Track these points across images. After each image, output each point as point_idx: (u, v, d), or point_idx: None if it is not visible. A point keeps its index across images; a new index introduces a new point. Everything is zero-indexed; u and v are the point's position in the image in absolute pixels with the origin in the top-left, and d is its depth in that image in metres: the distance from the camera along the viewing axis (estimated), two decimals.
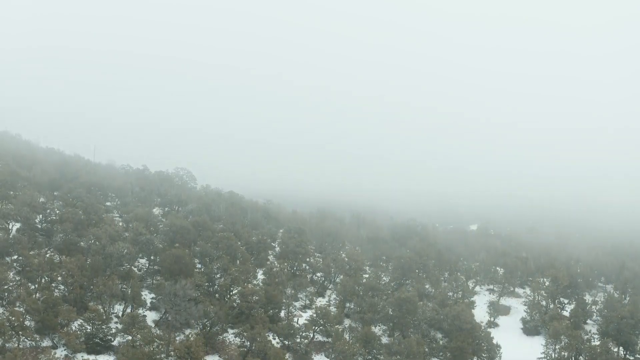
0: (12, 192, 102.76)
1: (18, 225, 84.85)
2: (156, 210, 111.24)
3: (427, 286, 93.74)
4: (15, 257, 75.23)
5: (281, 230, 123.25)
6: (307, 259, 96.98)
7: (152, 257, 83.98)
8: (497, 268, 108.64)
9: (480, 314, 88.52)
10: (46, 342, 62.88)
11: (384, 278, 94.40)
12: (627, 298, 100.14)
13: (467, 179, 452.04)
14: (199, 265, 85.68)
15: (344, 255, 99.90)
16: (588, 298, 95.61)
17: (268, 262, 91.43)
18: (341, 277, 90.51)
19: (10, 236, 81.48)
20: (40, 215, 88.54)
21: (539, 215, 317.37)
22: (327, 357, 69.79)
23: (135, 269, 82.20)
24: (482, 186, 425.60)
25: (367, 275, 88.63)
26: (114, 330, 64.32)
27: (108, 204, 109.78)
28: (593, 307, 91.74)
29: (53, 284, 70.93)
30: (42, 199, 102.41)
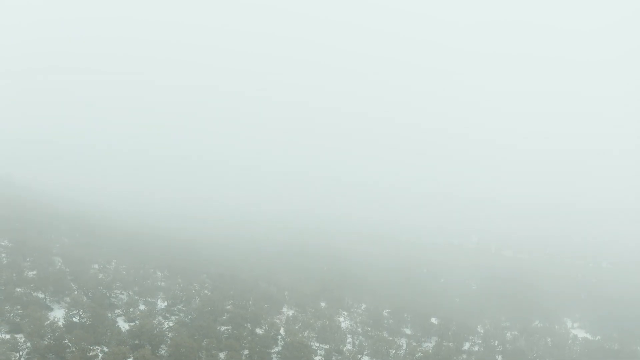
0: (18, 289, 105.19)
1: (27, 349, 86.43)
2: (160, 305, 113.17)
3: None
4: None
5: (283, 311, 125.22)
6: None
7: None
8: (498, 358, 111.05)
9: None
10: None
11: None
12: None
13: (462, 202, 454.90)
14: None
15: (347, 352, 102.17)
16: None
17: None
18: None
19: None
20: (49, 335, 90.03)
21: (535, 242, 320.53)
22: None
23: None
24: (477, 207, 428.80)
25: None
26: None
27: (112, 299, 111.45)
28: None
29: None
30: (46, 298, 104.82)
